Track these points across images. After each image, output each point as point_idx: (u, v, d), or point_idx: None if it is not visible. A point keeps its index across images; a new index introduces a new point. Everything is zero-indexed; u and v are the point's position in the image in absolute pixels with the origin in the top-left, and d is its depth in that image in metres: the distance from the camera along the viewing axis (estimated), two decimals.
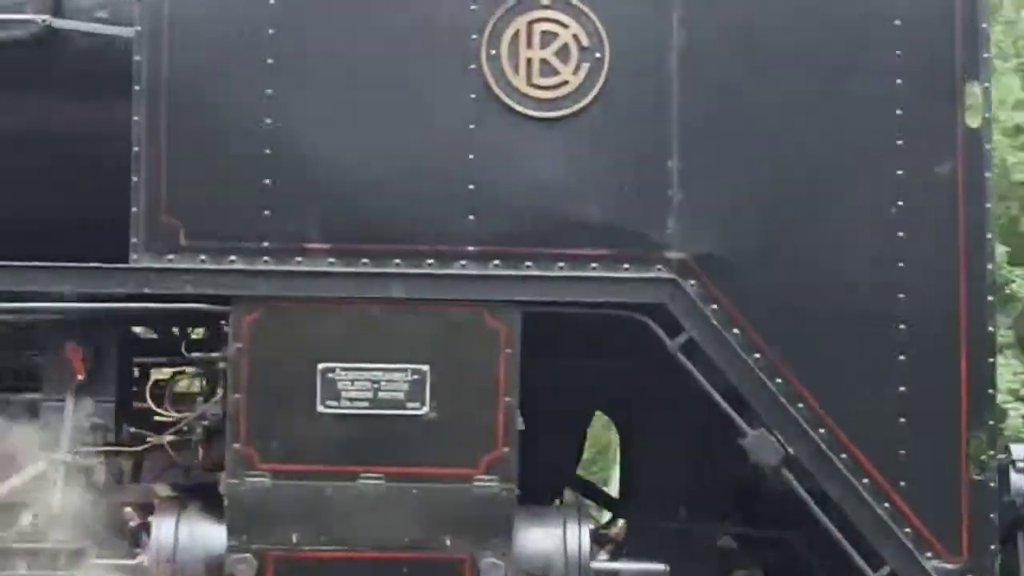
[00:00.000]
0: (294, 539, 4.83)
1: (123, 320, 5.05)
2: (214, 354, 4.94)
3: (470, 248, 4.92)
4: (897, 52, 4.99)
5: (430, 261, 4.91)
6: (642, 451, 5.75)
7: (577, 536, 4.95)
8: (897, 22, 5.01)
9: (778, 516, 5.45)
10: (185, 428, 4.99)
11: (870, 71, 4.99)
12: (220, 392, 4.93)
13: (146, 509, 5.01)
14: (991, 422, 4.94)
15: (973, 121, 5.00)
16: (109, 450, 5.01)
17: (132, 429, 5.09)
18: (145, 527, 4.96)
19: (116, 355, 5.07)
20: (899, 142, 4.99)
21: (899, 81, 4.99)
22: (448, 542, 4.85)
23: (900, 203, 4.96)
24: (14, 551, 4.93)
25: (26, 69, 5.28)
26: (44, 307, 4.91)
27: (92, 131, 5.28)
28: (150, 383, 5.00)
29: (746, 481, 5.40)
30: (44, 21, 5.26)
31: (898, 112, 4.99)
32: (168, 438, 5.00)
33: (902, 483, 4.89)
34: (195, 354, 4.98)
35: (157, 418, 5.07)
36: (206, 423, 4.95)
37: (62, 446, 4.99)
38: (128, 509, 5.00)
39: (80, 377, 5.01)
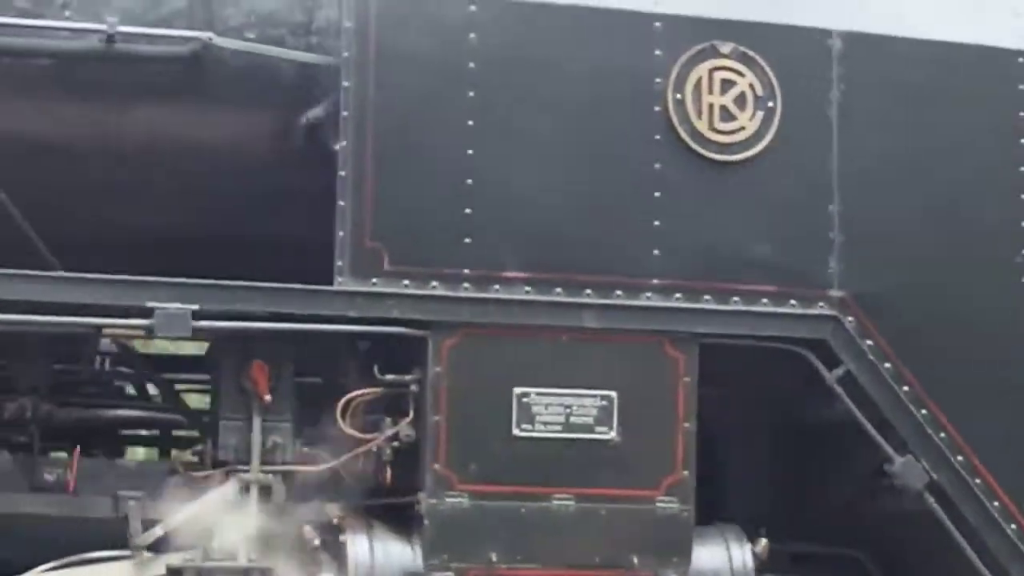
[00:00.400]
0: (492, 558, 5.00)
1: (304, 341, 5.10)
2: (407, 377, 5.05)
3: (655, 281, 5.18)
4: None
5: (619, 292, 5.15)
6: (731, 476, 6.07)
7: (741, 555, 5.28)
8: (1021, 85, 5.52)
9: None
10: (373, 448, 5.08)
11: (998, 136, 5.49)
12: (411, 414, 5.05)
13: (323, 528, 5.09)
14: None
15: None
16: (296, 469, 5.07)
17: (305, 448, 5.15)
18: (327, 545, 5.03)
19: (293, 375, 5.14)
20: (1021, 194, 5.50)
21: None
22: (635, 561, 5.10)
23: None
24: (208, 570, 4.95)
25: (181, 84, 5.29)
26: (262, 327, 4.93)
27: (237, 149, 5.33)
28: (342, 404, 5.05)
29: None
30: (209, 39, 5.27)
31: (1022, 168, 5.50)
32: (353, 454, 5.08)
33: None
34: (388, 376, 5.07)
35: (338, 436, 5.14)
36: (397, 444, 5.05)
37: (252, 465, 5.03)
38: (307, 528, 5.06)
39: (268, 397, 5.06)
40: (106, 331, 5.02)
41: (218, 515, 5.00)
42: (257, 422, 5.06)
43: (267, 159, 5.38)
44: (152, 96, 5.33)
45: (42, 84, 5.27)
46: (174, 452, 5.61)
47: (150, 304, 4.82)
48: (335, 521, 5.09)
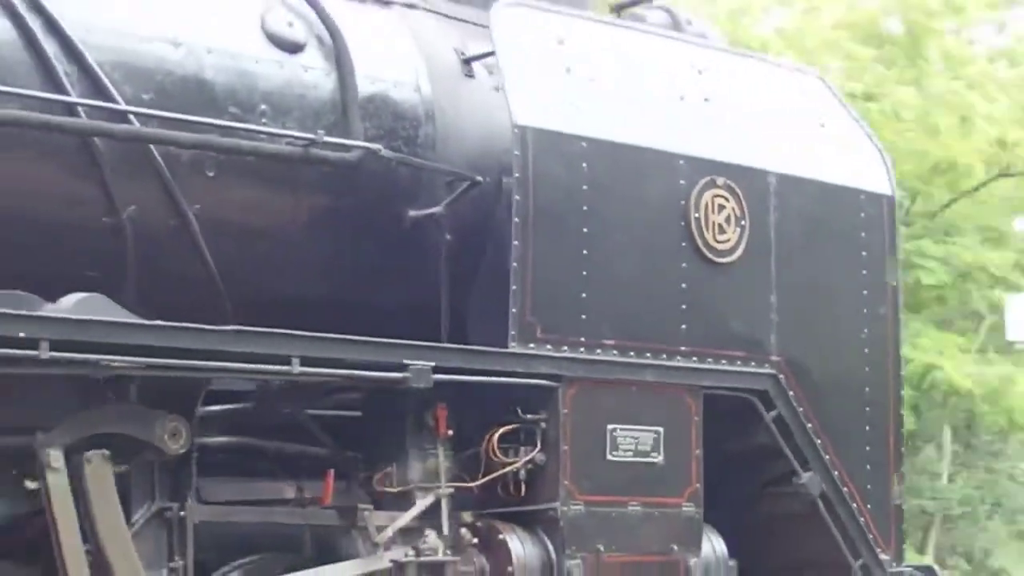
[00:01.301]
0: (600, 548, 6.91)
1: (470, 388, 6.73)
2: (540, 415, 6.84)
3: (683, 348, 7.27)
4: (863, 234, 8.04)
5: (663, 356, 7.19)
6: None
7: (719, 544, 7.45)
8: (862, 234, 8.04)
9: None
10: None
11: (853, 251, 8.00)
12: (539, 444, 6.84)
13: (472, 530, 6.76)
14: (901, 467, 8.13)
15: (892, 280, 8.16)
16: (466, 486, 6.73)
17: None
18: (481, 542, 6.73)
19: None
20: (864, 292, 8.04)
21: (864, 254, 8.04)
22: (674, 548, 7.17)
23: (865, 330, 8.02)
24: (423, 563, 6.51)
25: (341, 181, 6.80)
26: (468, 380, 6.56)
27: (370, 233, 6.93)
28: (495, 437, 6.76)
29: None
30: (379, 149, 6.81)
31: (864, 272, 8.04)
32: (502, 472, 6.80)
33: (868, 506, 7.92)
34: (528, 415, 6.83)
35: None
36: (531, 466, 6.83)
37: (442, 482, 6.64)
38: (464, 529, 6.74)
39: (450, 432, 6.68)
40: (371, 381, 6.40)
41: (419, 521, 6.57)
42: (441, 451, 6.67)
43: (387, 242, 6.97)
44: (319, 188, 6.78)
45: (247, 176, 6.59)
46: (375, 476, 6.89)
47: (406, 361, 6.35)
48: (473, 524, 6.77)
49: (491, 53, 7.32)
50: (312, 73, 6.83)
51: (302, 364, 6.04)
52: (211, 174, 6.48)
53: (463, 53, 7.47)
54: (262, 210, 6.66)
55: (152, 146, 6.30)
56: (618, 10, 8.48)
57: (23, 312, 5.51)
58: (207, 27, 6.61)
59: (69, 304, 5.75)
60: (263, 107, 6.63)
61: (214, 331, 5.85)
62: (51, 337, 5.47)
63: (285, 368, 6.03)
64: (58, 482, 5.67)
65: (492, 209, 7.17)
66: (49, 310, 5.69)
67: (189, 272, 6.45)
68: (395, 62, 7.12)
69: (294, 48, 6.82)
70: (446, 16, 7.60)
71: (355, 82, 6.88)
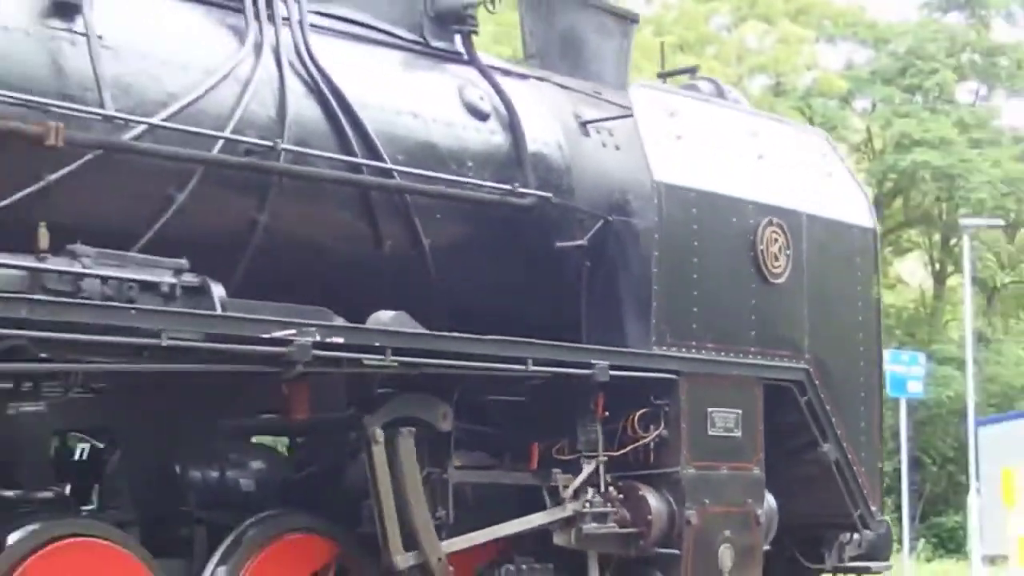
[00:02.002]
0: (706, 502, 9.11)
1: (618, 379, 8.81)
2: (664, 401, 8.99)
3: (753, 349, 9.52)
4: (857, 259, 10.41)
5: (742, 355, 9.43)
6: None
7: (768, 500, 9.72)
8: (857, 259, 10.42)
9: None
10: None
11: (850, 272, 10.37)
12: (663, 424, 8.98)
13: (617, 488, 8.87)
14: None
15: (875, 294, 10.56)
16: (616, 454, 8.84)
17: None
18: (625, 498, 8.85)
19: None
20: (859, 303, 10.41)
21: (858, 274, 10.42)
22: (749, 502, 9.43)
23: (860, 334, 10.40)
24: (594, 513, 8.61)
25: (520, 223, 8.85)
26: (624, 375, 8.68)
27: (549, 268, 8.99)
28: (635, 417, 8.89)
29: None
30: (549, 198, 8.87)
31: (859, 288, 10.42)
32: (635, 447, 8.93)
33: (863, 469, 10.29)
34: (657, 401, 8.97)
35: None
36: (658, 439, 8.99)
37: (600, 451, 8.74)
38: (612, 488, 8.84)
39: (606, 414, 8.79)
40: (571, 376, 8.44)
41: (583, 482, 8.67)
42: (599, 428, 8.77)
43: (541, 268, 9.04)
44: (504, 226, 8.78)
45: (460, 217, 8.57)
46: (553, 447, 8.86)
47: (592, 361, 8.44)
48: (616, 484, 8.87)
49: (604, 119, 9.45)
50: (496, 136, 8.85)
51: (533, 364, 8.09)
52: (438, 216, 8.45)
53: (579, 117, 9.54)
54: (468, 243, 8.64)
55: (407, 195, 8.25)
56: (663, 77, 10.68)
57: (379, 328, 7.45)
58: (431, 101, 8.57)
59: (387, 318, 7.68)
60: (469, 163, 8.63)
61: (495, 341, 7.89)
62: (394, 346, 7.42)
63: (521, 368, 8.06)
64: (380, 452, 7.61)
65: (606, 241, 9.25)
66: (373, 323, 7.61)
67: (421, 289, 8.40)
68: (544, 126, 9.18)
69: (484, 117, 8.83)
70: (563, 87, 9.66)
71: (525, 143, 8.91)
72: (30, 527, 6.59)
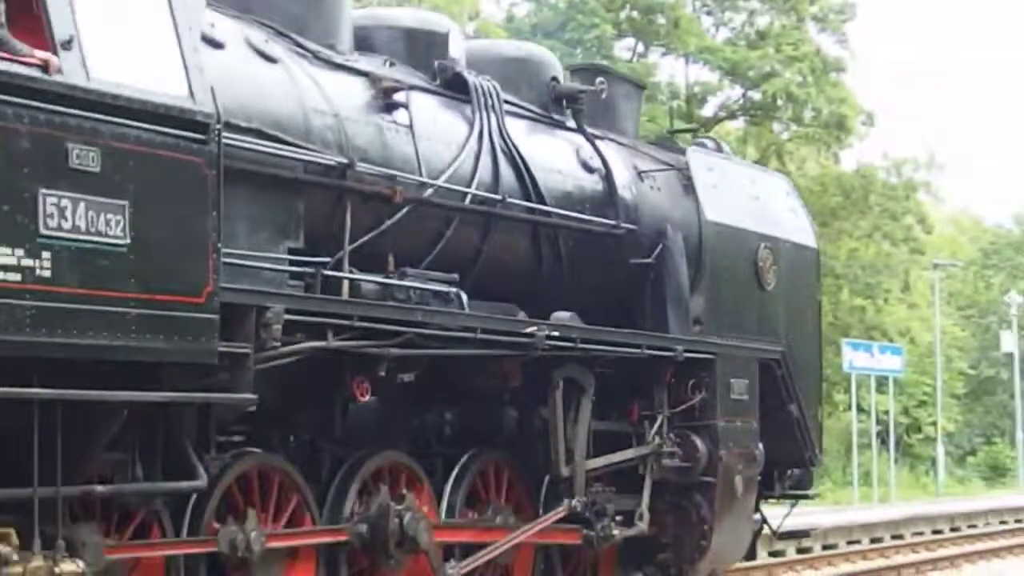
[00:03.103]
0: (731, 445, 12.96)
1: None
2: (706, 374, 12.77)
3: (756, 336, 13.40)
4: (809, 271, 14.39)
5: (749, 341, 13.32)
6: None
7: None
8: (810, 272, 14.41)
9: None
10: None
11: (806, 282, 14.35)
12: (703, 391, 12.76)
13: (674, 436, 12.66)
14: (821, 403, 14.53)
15: (818, 297, 14.56)
16: (677, 411, 12.60)
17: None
18: (680, 442, 12.63)
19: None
20: (811, 305, 14.39)
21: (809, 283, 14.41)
22: (751, 445, 13.31)
23: (810, 327, 14.38)
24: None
25: (615, 246, 12.54)
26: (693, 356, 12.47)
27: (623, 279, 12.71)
28: (689, 385, 12.66)
29: None
30: (634, 229, 12.56)
31: (809, 294, 14.40)
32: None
33: (809, 424, 14.27)
34: (702, 374, 12.75)
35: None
36: (703, 400, 12.77)
37: (666, 410, 12.50)
38: (671, 435, 12.62)
39: (672, 381, 12.55)
40: (660, 357, 12.18)
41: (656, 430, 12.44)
42: (665, 393, 12.50)
43: (620, 278, 12.74)
44: (605, 247, 12.44)
45: (582, 243, 12.20)
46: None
47: (676, 346, 12.19)
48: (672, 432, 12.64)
49: (656, 169, 13.17)
50: (599, 184, 12.49)
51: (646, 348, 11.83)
52: (571, 242, 12.06)
53: (636, 167, 13.22)
54: (584, 259, 12.24)
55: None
56: (671, 133, 14.46)
57: (570, 324, 11.09)
58: (563, 160, 12.16)
59: (566, 317, 11.31)
60: (587, 204, 12.25)
61: (628, 332, 11.65)
62: (581, 336, 11.08)
63: (637, 351, 11.79)
64: (559, 396, 11.24)
65: (661, 259, 12.96)
66: (554, 320, 11.22)
67: (559, 291, 11.94)
68: (622, 175, 12.84)
69: (591, 171, 12.47)
70: (621, 144, 13.33)
71: (616, 189, 12.58)
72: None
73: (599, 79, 12.86)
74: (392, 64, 11.02)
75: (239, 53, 9.31)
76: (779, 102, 41.00)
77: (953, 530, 23.78)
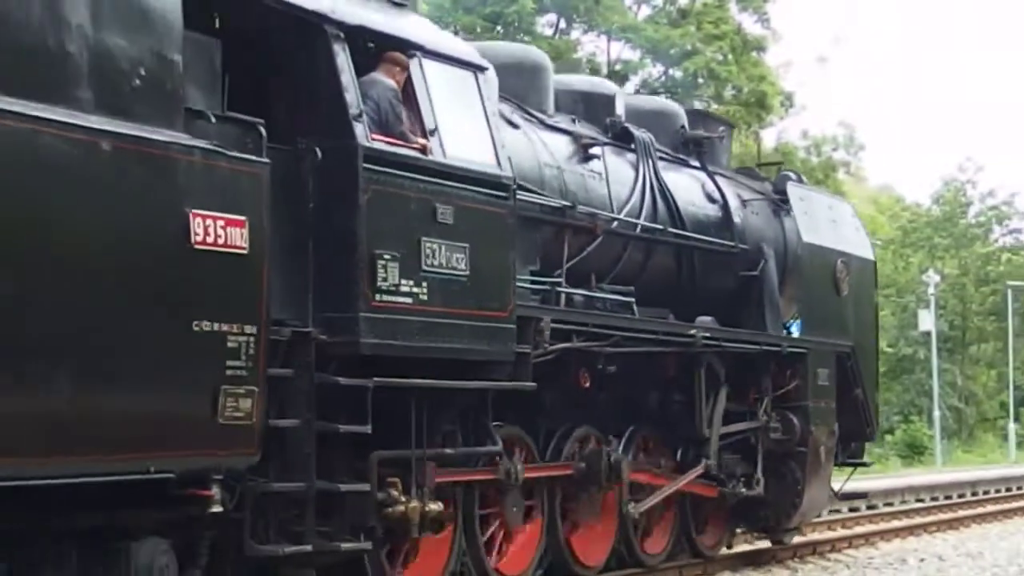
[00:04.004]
0: (818, 422, 16.10)
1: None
2: (799, 365, 15.89)
3: (838, 333, 16.53)
4: (868, 279, 17.54)
5: (827, 338, 16.44)
6: None
7: None
8: (869, 281, 17.57)
9: None
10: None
11: (867, 288, 17.51)
12: (797, 380, 15.86)
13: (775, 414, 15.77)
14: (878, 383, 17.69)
15: (875, 301, 17.70)
16: (778, 394, 15.73)
17: None
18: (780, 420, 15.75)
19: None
20: (870, 307, 17.54)
21: (871, 288, 17.56)
22: (831, 422, 16.46)
23: (870, 325, 17.53)
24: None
25: (729, 262, 15.63)
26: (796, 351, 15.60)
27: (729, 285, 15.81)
28: (788, 373, 15.78)
29: None
30: (746, 249, 15.65)
31: (868, 299, 17.55)
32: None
33: (869, 400, 17.44)
34: (797, 365, 15.86)
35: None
36: (798, 386, 15.89)
37: (770, 392, 15.62)
38: (773, 413, 15.74)
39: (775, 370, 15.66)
40: (765, 351, 15.29)
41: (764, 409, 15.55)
42: (770, 380, 15.60)
43: (730, 286, 15.82)
44: (723, 263, 15.52)
45: (705, 261, 15.28)
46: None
47: (781, 342, 15.30)
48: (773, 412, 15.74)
49: (755, 199, 16.25)
50: (719, 212, 15.56)
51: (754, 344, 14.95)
52: (701, 260, 15.14)
53: (739, 196, 16.29)
54: (708, 272, 15.29)
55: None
56: (760, 166, 17.56)
57: (713, 327, 14.16)
58: (694, 193, 15.23)
59: (708, 321, 14.40)
60: (712, 229, 15.33)
61: (752, 332, 14.71)
62: (723, 337, 14.16)
63: (757, 347, 14.89)
64: (702, 381, 14.32)
65: (763, 272, 16.05)
66: (699, 323, 14.31)
67: (691, 297, 15.02)
68: (733, 204, 15.91)
69: (714, 201, 15.55)
70: (727, 177, 16.40)
71: (731, 216, 15.66)
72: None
73: (721, 128, 15.94)
74: (575, 121, 14.02)
75: (502, 123, 12.30)
76: (700, 80, 41.17)
77: (870, 508, 24.02)
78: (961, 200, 65.19)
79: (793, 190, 16.26)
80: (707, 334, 14.01)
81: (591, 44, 42.87)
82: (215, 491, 8.74)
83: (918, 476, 34.71)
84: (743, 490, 14.90)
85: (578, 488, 13.04)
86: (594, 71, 40.51)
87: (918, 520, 22.28)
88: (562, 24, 42.36)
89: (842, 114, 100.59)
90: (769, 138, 47.88)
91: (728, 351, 14.68)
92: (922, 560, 17.05)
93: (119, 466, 8.11)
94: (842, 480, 17.80)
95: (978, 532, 21.04)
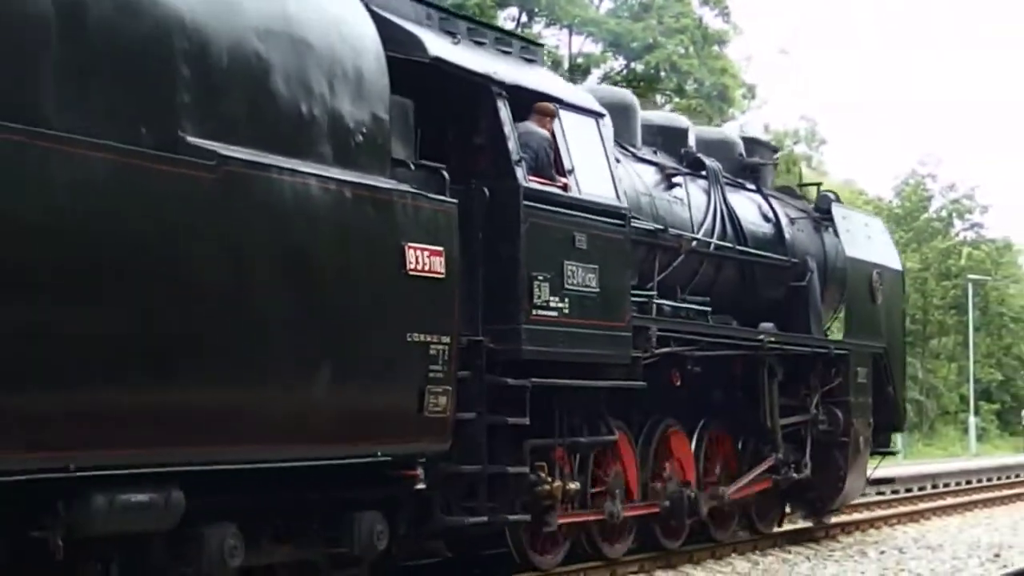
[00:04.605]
0: (858, 415, 18.19)
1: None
2: (842, 365, 17.95)
3: (873, 336, 18.62)
4: (897, 288, 19.65)
5: (869, 341, 18.52)
6: None
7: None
8: (898, 289, 19.67)
9: None
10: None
11: (897, 295, 19.62)
12: (838, 379, 17.93)
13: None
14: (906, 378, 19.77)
15: (904, 307, 19.79)
16: (826, 389, 17.80)
17: None
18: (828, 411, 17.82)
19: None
20: (900, 312, 19.63)
21: (901, 295, 19.67)
22: (868, 414, 18.54)
23: (901, 328, 19.63)
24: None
25: (783, 275, 17.70)
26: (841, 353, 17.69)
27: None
28: (832, 372, 17.85)
29: None
30: (797, 262, 17.72)
31: (897, 305, 19.65)
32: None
33: (897, 392, 19.54)
34: (840, 365, 17.94)
35: None
36: (837, 383, 17.96)
37: (821, 388, 17.70)
38: (821, 403, 17.82)
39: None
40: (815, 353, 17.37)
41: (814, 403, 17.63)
42: (819, 378, 17.68)
43: (781, 294, 17.89)
44: (777, 275, 17.59)
45: (761, 275, 17.35)
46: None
47: (830, 347, 17.37)
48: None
49: (800, 217, 18.31)
50: (773, 230, 17.61)
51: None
52: (759, 272, 17.18)
53: (787, 215, 18.32)
54: (765, 283, 17.34)
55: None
56: (800, 187, 19.64)
57: (772, 331, 16.23)
58: (752, 214, 17.28)
59: (769, 327, 16.47)
60: (768, 245, 17.38)
61: (808, 336, 16.78)
62: (783, 343, 16.23)
63: (808, 349, 16.96)
64: (766, 380, 16.39)
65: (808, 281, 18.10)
66: (763, 329, 16.37)
67: (752, 304, 17.10)
68: (784, 222, 17.97)
69: (769, 221, 17.61)
70: (776, 197, 18.46)
71: (784, 233, 17.71)
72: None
73: (775, 155, 18.04)
74: (656, 153, 16.05)
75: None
76: (662, 73, 41.02)
77: None
78: (922, 194, 66.37)
79: (836, 210, 18.34)
80: (772, 338, 16.02)
81: (553, 38, 42.55)
82: (419, 472, 10.75)
83: (879, 469, 35.02)
84: (794, 475, 16.94)
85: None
86: (556, 64, 40.16)
87: (879, 512, 22.56)
88: (524, 18, 41.96)
89: (804, 109, 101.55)
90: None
91: (786, 353, 16.71)
92: (882, 552, 17.36)
93: (357, 450, 10.11)
94: (872, 468, 19.82)
95: (938, 524, 21.47)
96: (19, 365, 7.75)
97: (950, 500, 26.08)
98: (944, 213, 67.00)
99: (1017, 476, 32.63)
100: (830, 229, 18.32)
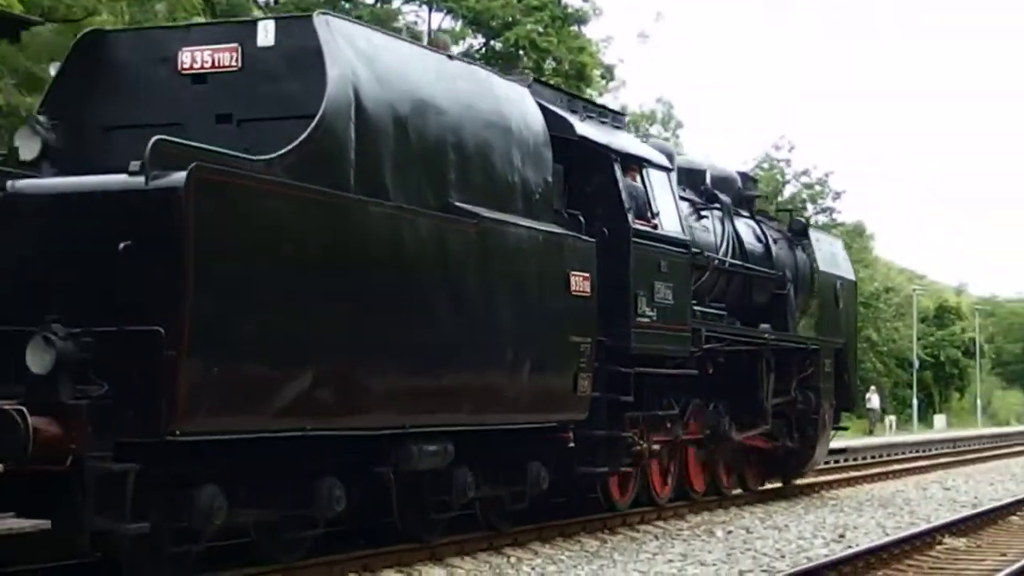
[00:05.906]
0: (828, 396, 22.78)
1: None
2: (815, 357, 22.51)
3: (834, 334, 23.20)
4: (850, 293, 24.25)
5: (831, 338, 23.10)
6: None
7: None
8: (853, 295, 24.26)
9: None
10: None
11: (851, 299, 24.22)
12: (811, 370, 22.47)
13: None
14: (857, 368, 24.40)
15: (855, 309, 24.40)
16: (804, 376, 22.36)
17: None
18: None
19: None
20: (853, 313, 24.23)
21: (853, 300, 24.28)
22: (832, 396, 23.13)
23: (853, 327, 24.22)
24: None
25: (774, 285, 22.22)
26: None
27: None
28: (806, 363, 22.39)
29: None
30: (784, 275, 22.24)
31: (851, 308, 24.25)
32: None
33: (850, 380, 24.13)
34: (813, 356, 22.49)
35: None
36: (811, 371, 22.54)
37: (797, 376, 22.27)
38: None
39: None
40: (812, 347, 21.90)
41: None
42: (796, 368, 22.21)
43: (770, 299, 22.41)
44: (769, 286, 22.10)
45: (757, 286, 21.85)
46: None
47: (809, 342, 21.94)
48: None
49: (779, 238, 22.84)
50: (763, 249, 22.06)
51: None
52: (755, 283, 21.66)
53: (768, 235, 22.79)
54: (760, 290, 21.81)
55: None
56: (777, 211, 24.15)
57: (770, 331, 20.75)
58: (751, 236, 21.75)
59: (767, 327, 20.98)
60: (760, 260, 21.85)
61: (799, 336, 21.30)
62: (776, 340, 20.76)
63: (793, 344, 21.50)
64: (764, 368, 20.89)
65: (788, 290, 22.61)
66: (763, 329, 20.87)
67: (748, 307, 21.57)
68: (771, 241, 22.44)
69: (760, 241, 22.07)
70: (762, 221, 22.92)
71: (772, 250, 22.20)
72: None
73: (756, 185, 22.65)
74: (685, 190, 20.46)
75: None
76: (521, 51, 40.90)
77: None
78: (777, 179, 68.37)
79: (812, 233, 22.90)
80: (772, 336, 20.54)
81: (412, 13, 42.43)
82: (570, 434, 15.10)
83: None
84: (788, 443, 21.50)
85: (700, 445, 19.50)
86: (415, 39, 38.50)
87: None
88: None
89: (661, 91, 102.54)
90: None
91: (778, 347, 21.23)
92: (729, 532, 17.40)
93: (541, 418, 14.44)
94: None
95: (784, 506, 21.62)
96: (391, 365, 11.97)
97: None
98: (798, 199, 66.49)
99: (864, 458, 34.68)
100: (800, 247, 22.79)
